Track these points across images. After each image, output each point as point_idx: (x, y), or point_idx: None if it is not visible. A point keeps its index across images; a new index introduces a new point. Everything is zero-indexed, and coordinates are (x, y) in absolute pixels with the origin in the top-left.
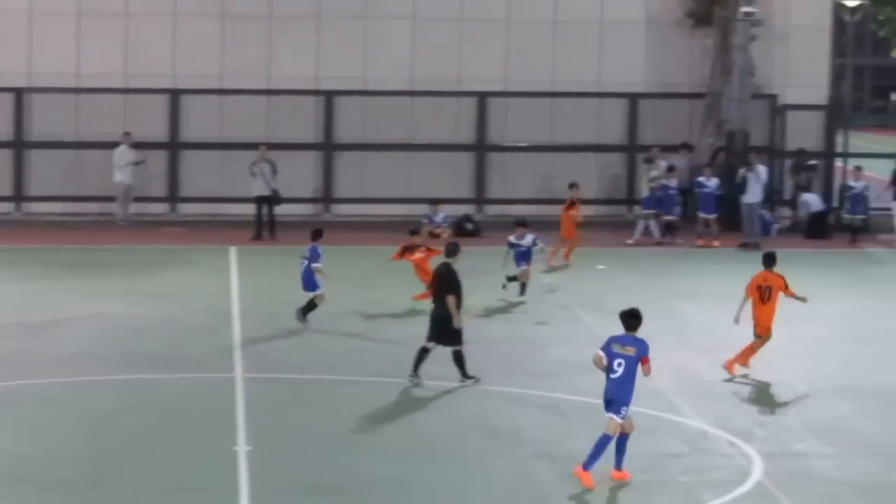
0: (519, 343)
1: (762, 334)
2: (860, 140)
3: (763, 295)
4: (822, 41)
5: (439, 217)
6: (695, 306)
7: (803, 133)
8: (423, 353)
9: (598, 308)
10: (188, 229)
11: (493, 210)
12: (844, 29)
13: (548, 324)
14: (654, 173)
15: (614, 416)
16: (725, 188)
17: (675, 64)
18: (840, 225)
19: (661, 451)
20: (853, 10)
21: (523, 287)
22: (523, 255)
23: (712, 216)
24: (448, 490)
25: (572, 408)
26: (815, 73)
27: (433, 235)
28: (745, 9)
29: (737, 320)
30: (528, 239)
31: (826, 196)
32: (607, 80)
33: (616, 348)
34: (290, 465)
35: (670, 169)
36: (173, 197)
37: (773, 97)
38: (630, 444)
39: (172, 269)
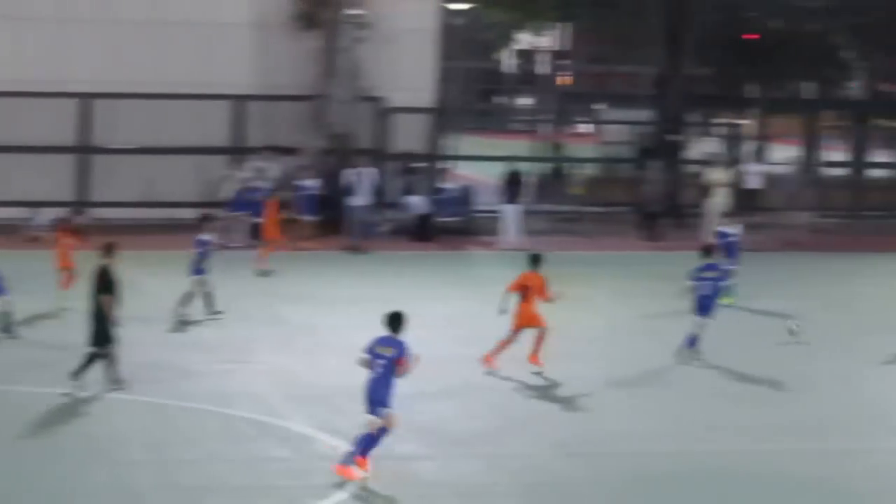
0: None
1: (517, 329)
2: (467, 143)
3: (525, 293)
4: (428, 44)
5: (40, 220)
6: (297, 309)
7: (410, 136)
8: (90, 357)
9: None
10: None
11: (96, 213)
12: (451, 32)
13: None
14: (240, 174)
15: (371, 417)
16: (331, 190)
17: (283, 66)
18: (446, 227)
19: (263, 456)
20: (460, 13)
21: (210, 298)
22: (207, 256)
23: (311, 218)
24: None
25: (175, 413)
26: (421, 77)
27: (33, 239)
28: (349, 11)
29: (501, 312)
30: (213, 237)
31: (431, 199)
32: (214, 82)
33: (378, 349)
34: None
35: (260, 171)
36: None
37: (379, 100)
38: (228, 450)
39: None
